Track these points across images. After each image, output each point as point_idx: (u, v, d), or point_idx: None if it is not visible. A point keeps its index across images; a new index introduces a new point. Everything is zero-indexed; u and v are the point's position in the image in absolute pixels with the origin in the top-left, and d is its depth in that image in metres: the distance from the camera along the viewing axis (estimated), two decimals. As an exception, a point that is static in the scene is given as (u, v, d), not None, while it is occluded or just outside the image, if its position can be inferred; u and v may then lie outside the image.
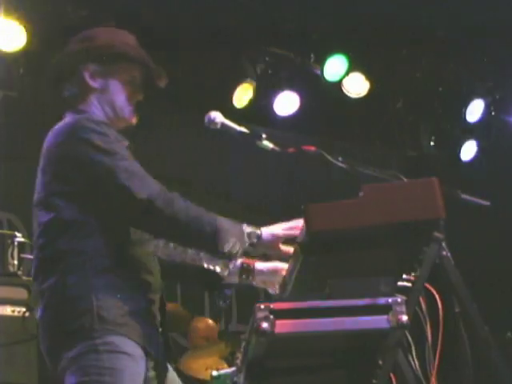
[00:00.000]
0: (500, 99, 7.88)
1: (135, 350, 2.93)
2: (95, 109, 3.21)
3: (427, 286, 2.90)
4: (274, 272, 3.35)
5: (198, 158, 7.52)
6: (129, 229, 3.06)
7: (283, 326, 2.65)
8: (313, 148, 3.28)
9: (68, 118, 3.19)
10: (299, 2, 6.75)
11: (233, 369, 3.39)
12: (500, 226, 7.67)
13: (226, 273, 3.37)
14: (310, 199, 2.90)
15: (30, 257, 5.15)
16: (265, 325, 2.63)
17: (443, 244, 2.86)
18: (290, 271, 3.02)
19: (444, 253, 2.87)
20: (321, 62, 7.23)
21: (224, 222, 3.05)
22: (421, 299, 2.88)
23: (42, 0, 6.32)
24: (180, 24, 6.54)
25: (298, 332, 2.69)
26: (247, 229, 3.11)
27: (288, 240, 3.17)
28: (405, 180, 3.06)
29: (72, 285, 2.94)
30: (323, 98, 7.57)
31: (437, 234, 2.83)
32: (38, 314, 3.06)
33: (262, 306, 2.65)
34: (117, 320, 2.92)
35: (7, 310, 5.31)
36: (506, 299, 7.33)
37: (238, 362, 3.11)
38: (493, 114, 7.91)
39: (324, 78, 7.26)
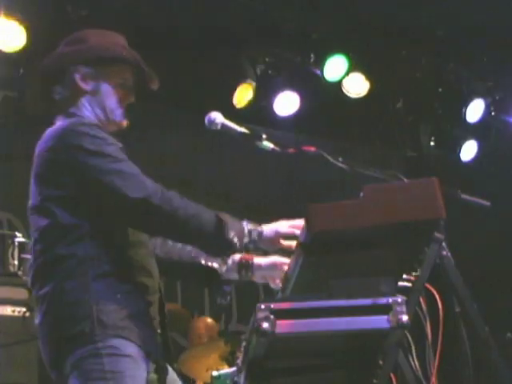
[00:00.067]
0: (500, 99, 7.87)
1: (136, 352, 2.93)
2: (86, 111, 3.20)
3: (427, 285, 2.90)
4: (274, 266, 3.33)
5: (198, 158, 7.51)
6: (127, 231, 3.06)
7: (284, 326, 2.65)
8: (313, 148, 3.28)
9: (59, 122, 3.17)
10: (299, 2, 6.76)
11: (233, 369, 3.40)
12: (500, 226, 7.68)
13: (223, 269, 3.37)
14: (310, 199, 2.90)
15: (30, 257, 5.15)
16: (265, 325, 2.63)
17: (443, 244, 2.87)
18: (290, 269, 3.02)
19: (444, 253, 2.87)
20: (321, 62, 7.23)
21: (224, 219, 3.05)
22: (421, 299, 2.88)
23: (42, 0, 6.32)
24: (180, 24, 6.54)
25: (299, 332, 2.69)
26: (248, 225, 3.11)
27: (289, 238, 3.17)
28: (405, 180, 3.06)
29: (70, 290, 2.94)
30: (323, 98, 7.57)
31: (437, 234, 2.83)
32: (37, 320, 3.05)
33: (263, 306, 2.65)
34: (117, 323, 2.91)
35: (7, 310, 5.31)
36: (506, 299, 7.34)
37: (239, 362, 3.11)
38: (493, 114, 7.91)
39: (324, 78, 7.26)
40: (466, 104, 7.73)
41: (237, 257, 3.33)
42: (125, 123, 3.27)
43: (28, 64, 6.55)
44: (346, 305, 2.69)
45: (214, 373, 4.09)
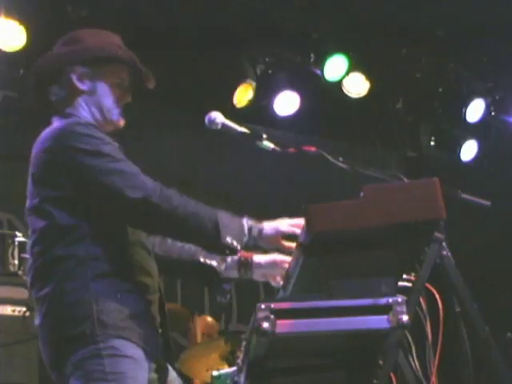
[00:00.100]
0: (500, 99, 7.87)
1: (137, 352, 2.93)
2: (83, 111, 3.19)
3: (428, 285, 2.90)
4: (274, 264, 3.33)
5: (198, 158, 7.51)
6: (127, 230, 3.06)
7: (284, 325, 2.65)
8: (313, 148, 3.29)
9: (56, 123, 3.17)
10: (299, 2, 6.75)
11: (233, 368, 3.39)
12: (500, 226, 7.68)
13: (222, 267, 3.36)
14: (310, 199, 2.90)
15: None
16: (266, 325, 2.63)
17: (444, 244, 2.87)
18: (291, 269, 3.02)
19: (444, 253, 2.88)
20: (321, 62, 7.22)
21: (224, 217, 3.04)
22: (421, 299, 2.88)
23: (42, 0, 6.32)
24: (180, 24, 6.53)
25: (299, 332, 2.69)
26: (248, 223, 3.10)
27: (289, 237, 3.17)
28: (405, 180, 3.06)
29: (70, 291, 2.93)
30: (323, 98, 7.56)
31: (437, 235, 2.84)
32: (37, 321, 3.05)
33: (263, 306, 2.65)
34: (117, 324, 2.91)
35: (7, 310, 5.31)
36: (506, 299, 7.34)
37: (239, 361, 3.11)
38: (493, 114, 7.91)
39: (324, 77, 7.25)
40: (465, 104, 7.73)
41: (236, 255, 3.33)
42: (122, 123, 3.27)
43: (28, 64, 6.54)
44: (346, 305, 2.69)
45: (214, 372, 4.08)
